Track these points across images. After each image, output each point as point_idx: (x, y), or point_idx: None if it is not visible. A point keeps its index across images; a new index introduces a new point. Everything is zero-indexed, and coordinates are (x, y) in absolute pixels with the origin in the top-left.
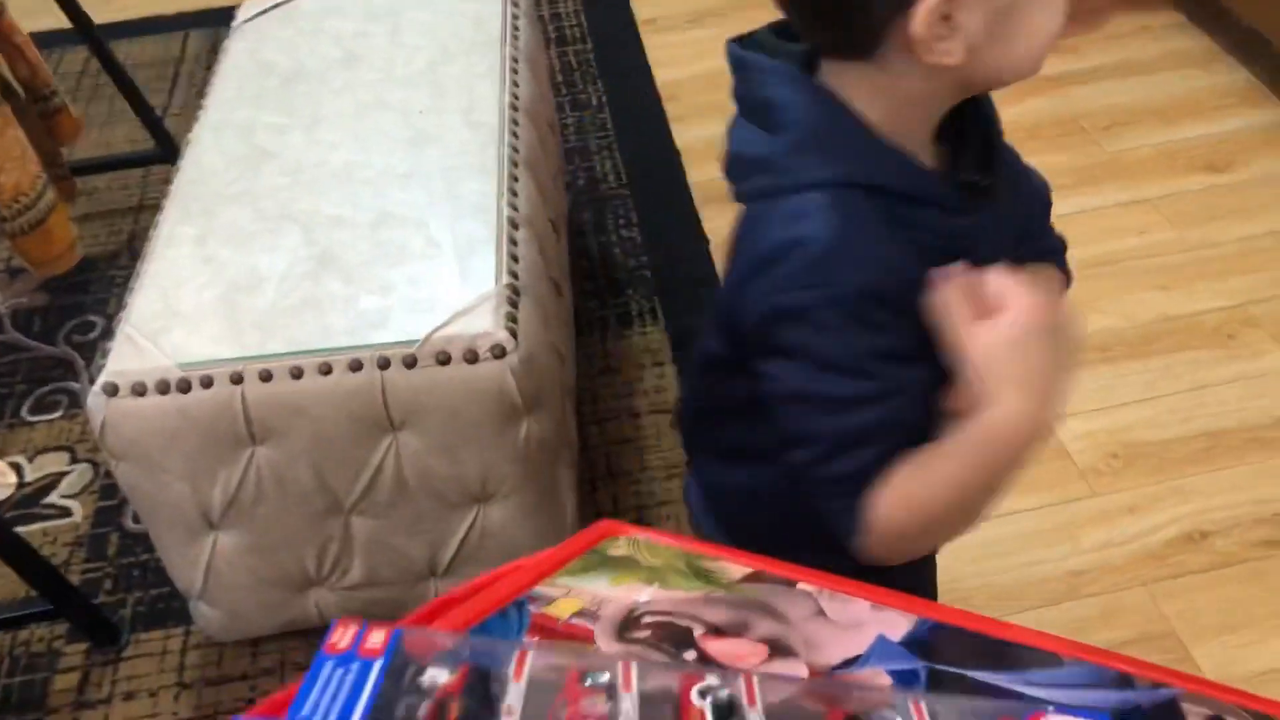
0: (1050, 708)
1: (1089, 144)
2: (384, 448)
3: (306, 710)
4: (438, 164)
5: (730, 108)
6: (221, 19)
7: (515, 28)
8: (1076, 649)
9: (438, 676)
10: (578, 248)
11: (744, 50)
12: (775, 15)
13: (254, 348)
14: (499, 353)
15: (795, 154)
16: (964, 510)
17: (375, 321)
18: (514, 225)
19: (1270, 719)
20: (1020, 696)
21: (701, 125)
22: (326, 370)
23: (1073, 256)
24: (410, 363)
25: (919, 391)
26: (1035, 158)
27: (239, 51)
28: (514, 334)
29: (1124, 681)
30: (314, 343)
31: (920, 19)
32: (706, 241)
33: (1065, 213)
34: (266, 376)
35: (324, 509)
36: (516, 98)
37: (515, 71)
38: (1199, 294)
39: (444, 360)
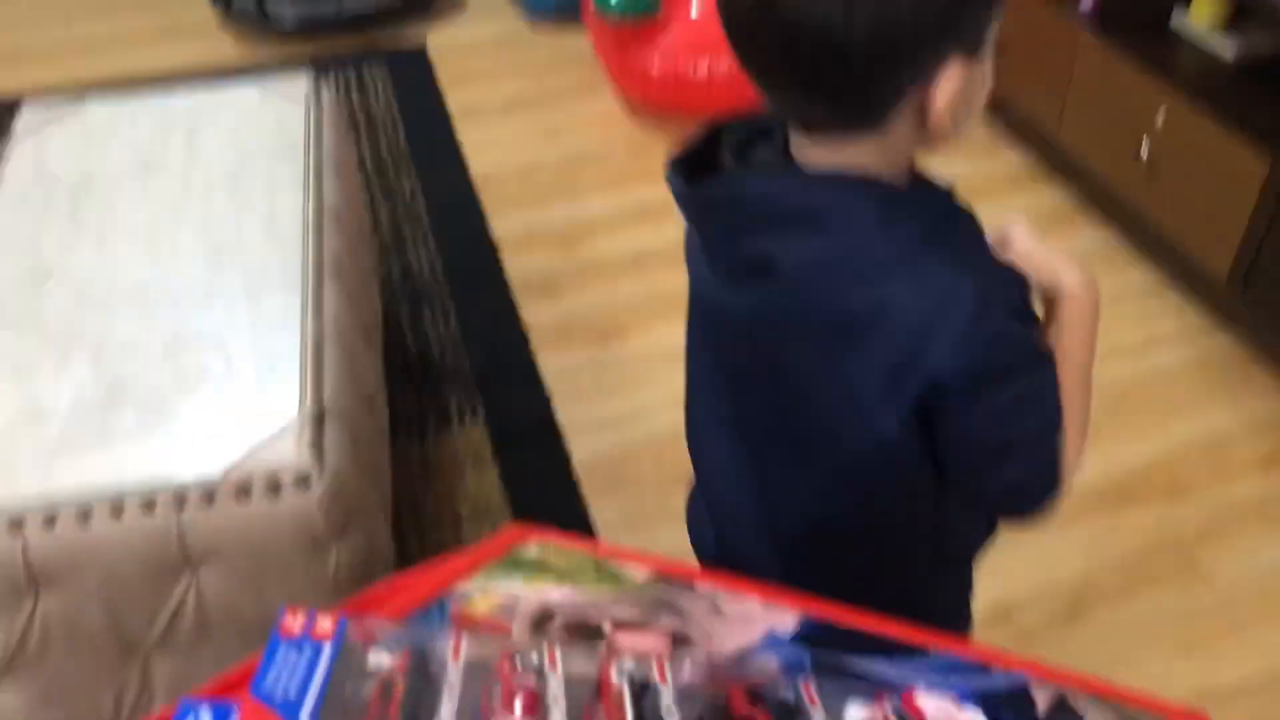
0: (920, 683)
1: None
2: (183, 587)
3: (268, 685)
4: (238, 279)
5: (546, 196)
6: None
7: (319, 131)
8: (940, 641)
9: (382, 659)
10: (394, 344)
11: (741, 182)
12: (585, 104)
13: (36, 489)
14: (303, 483)
15: (881, 233)
16: (1088, 399)
17: (170, 456)
18: (319, 341)
19: (1103, 699)
20: (893, 679)
21: (516, 215)
22: (118, 512)
23: None
24: (208, 499)
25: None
26: None
27: (21, 159)
28: (320, 460)
29: (982, 668)
30: (104, 482)
31: (944, 92)
32: (525, 333)
33: None
34: (50, 521)
35: (120, 653)
36: (322, 204)
37: (320, 177)
38: None
39: (244, 494)
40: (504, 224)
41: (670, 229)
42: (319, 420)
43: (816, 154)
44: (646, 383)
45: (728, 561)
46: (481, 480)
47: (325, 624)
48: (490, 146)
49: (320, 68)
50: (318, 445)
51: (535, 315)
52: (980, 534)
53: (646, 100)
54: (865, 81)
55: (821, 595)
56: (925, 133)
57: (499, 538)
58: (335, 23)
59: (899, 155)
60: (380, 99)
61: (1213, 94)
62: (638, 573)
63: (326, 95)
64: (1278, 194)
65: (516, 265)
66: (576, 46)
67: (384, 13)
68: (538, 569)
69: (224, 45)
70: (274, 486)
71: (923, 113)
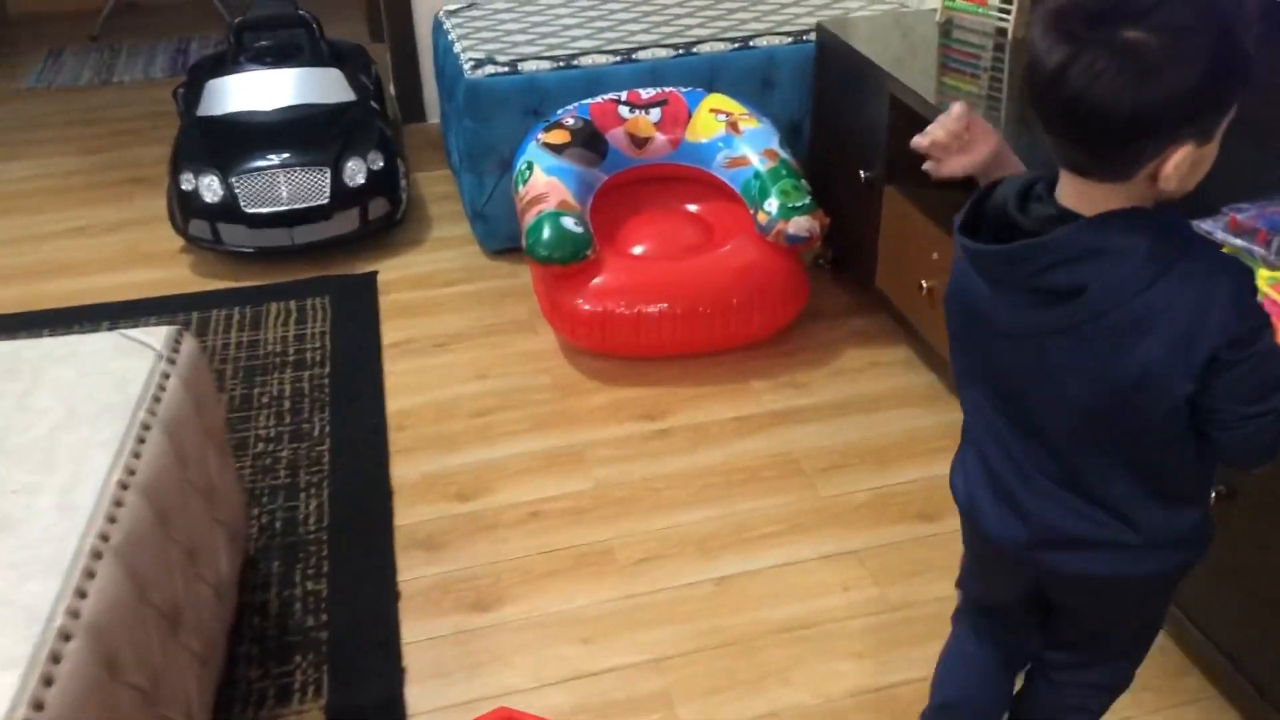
0: None
1: (805, 487)
2: None
3: None
4: (5, 558)
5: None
6: None
7: (161, 387)
8: None
9: None
10: (255, 604)
11: (1022, 244)
12: (522, 342)
13: None
14: None
15: (1152, 253)
16: None
17: None
18: (66, 637)
19: None
20: None
21: (422, 459)
22: None
23: (772, 619)
24: None
25: None
26: (752, 501)
27: None
28: None
29: None
30: None
31: (1175, 165)
32: (397, 598)
33: (770, 566)
34: None
35: None
36: (132, 472)
37: (142, 440)
38: (894, 664)
39: None
40: (407, 468)
41: (574, 481)
42: None
43: (1077, 190)
44: (512, 663)
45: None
46: None
47: None
48: (414, 384)
49: (265, 296)
50: None
51: (412, 573)
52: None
53: (577, 339)
54: (1119, 149)
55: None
56: (1157, 188)
57: None
58: (290, 250)
59: (1138, 199)
60: (316, 330)
61: None
62: None
63: (188, 348)
64: None
65: (408, 515)
66: (529, 281)
67: (340, 241)
68: None
69: (181, 271)
70: None
71: (1156, 175)
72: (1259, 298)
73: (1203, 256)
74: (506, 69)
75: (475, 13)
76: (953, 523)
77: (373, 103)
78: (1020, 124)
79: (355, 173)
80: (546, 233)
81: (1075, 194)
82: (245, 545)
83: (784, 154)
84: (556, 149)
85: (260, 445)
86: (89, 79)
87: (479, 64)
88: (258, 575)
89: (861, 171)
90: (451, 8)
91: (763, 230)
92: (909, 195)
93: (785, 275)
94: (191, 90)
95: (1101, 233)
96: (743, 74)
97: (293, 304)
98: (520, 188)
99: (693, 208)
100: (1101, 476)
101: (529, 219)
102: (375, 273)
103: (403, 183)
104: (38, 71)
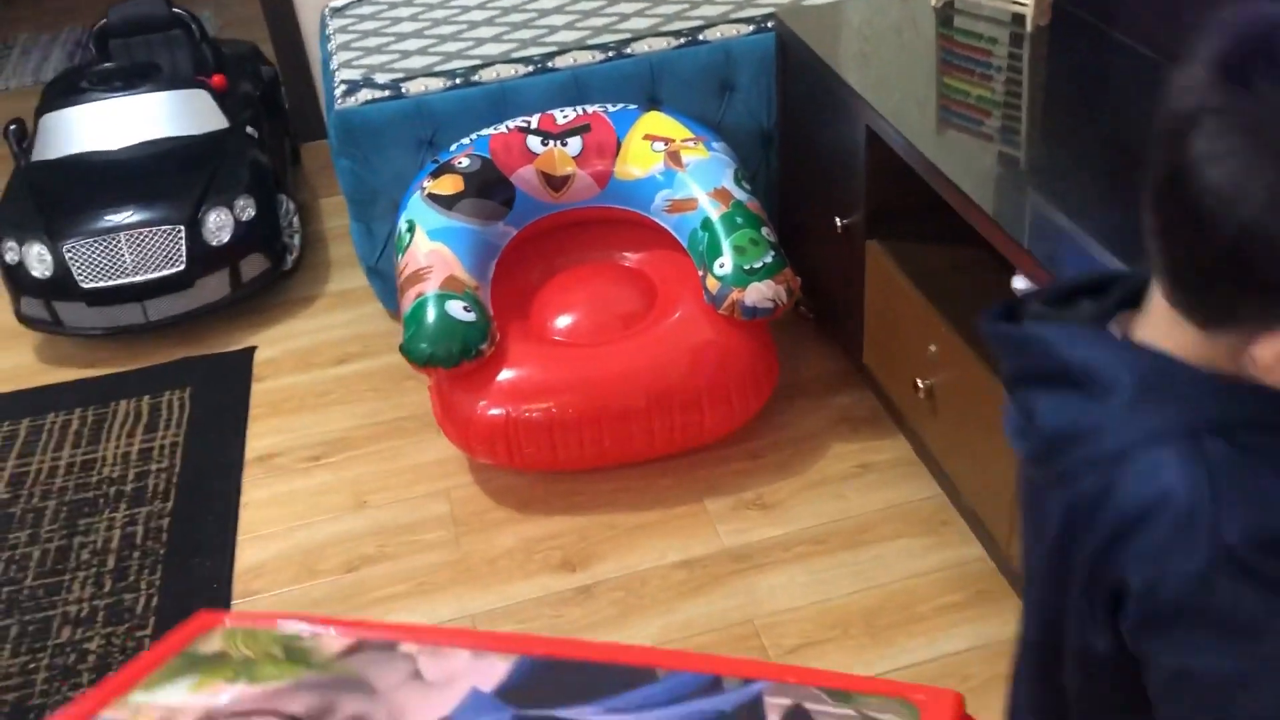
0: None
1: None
2: None
3: None
4: None
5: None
6: None
7: None
8: (672, 659)
9: None
10: None
11: (1022, 326)
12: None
13: None
14: None
15: (1132, 412)
16: None
17: None
18: None
19: (848, 695)
20: None
21: None
22: None
23: None
24: None
25: None
26: None
27: None
28: None
29: (714, 686)
30: None
31: (1266, 348)
32: None
33: None
34: None
35: None
36: None
37: None
38: None
39: None
40: None
41: None
42: None
43: (1150, 311)
44: None
45: None
46: None
47: None
48: (275, 521)
49: (114, 391)
50: None
51: None
52: None
53: (477, 453)
54: (1208, 286)
55: None
56: (1238, 358)
57: (186, 627)
58: (145, 327)
59: (1211, 360)
60: (167, 442)
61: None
62: (331, 645)
63: None
64: None
65: None
66: None
67: (207, 311)
68: (213, 665)
69: (22, 356)
70: None
71: (1242, 347)
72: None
73: (1216, 456)
74: (388, 92)
75: (365, 9)
76: None
77: (250, 129)
78: (1049, 143)
79: (220, 227)
80: (426, 324)
81: (1144, 316)
82: None
83: (740, 193)
84: (446, 202)
85: (65, 632)
86: None
87: (353, 88)
88: None
89: (837, 219)
90: (338, 3)
91: (714, 301)
92: (897, 257)
93: (748, 354)
94: (24, 128)
95: (1089, 347)
96: (693, 78)
97: (145, 402)
98: (399, 256)
99: (630, 257)
100: None
101: (406, 304)
102: (253, 349)
103: (288, 229)
104: None
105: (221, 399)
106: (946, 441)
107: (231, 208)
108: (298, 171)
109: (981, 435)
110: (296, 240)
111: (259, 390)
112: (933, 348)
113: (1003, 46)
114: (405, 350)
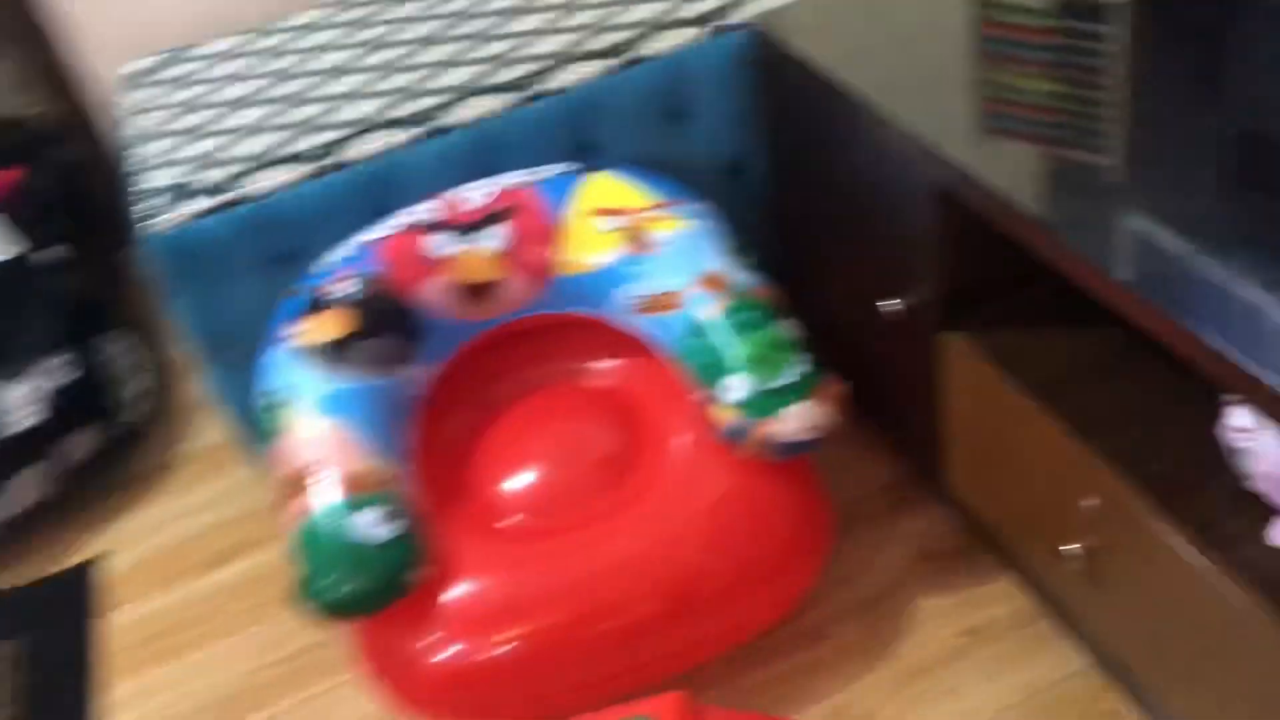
0: None
1: None
2: None
3: None
4: None
5: None
6: None
7: None
8: None
9: None
10: None
11: None
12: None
13: None
14: None
15: None
16: None
17: None
18: None
19: None
20: None
21: None
22: None
23: None
24: None
25: None
26: None
27: None
28: None
29: None
30: None
31: None
32: None
33: None
34: None
35: None
36: None
37: None
38: None
39: None
40: None
41: None
42: None
43: None
44: None
45: None
46: None
47: None
48: None
49: None
50: None
51: None
52: None
53: (421, 708)
54: None
55: None
56: None
57: None
58: None
59: None
60: None
61: None
62: None
63: None
64: None
65: None
66: None
67: (24, 520)
68: None
69: None
70: None
71: None
72: None
73: None
74: (220, 198)
75: (177, 70)
76: None
77: (61, 248)
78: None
79: (22, 407)
80: (324, 559)
81: None
82: None
83: (740, 277)
84: (329, 354)
85: None
86: None
87: (172, 198)
88: None
89: (882, 301)
90: (135, 67)
91: (732, 438)
92: (996, 356)
93: (791, 503)
94: None
95: None
96: (634, 110)
97: None
98: (268, 444)
99: (592, 370)
100: None
101: (291, 525)
102: (87, 564)
103: (127, 377)
104: None
105: (58, 653)
106: (1113, 624)
107: (37, 375)
108: (129, 283)
109: (1180, 628)
110: (143, 384)
111: (112, 628)
112: (1085, 502)
113: (1076, 25)
114: (300, 601)
